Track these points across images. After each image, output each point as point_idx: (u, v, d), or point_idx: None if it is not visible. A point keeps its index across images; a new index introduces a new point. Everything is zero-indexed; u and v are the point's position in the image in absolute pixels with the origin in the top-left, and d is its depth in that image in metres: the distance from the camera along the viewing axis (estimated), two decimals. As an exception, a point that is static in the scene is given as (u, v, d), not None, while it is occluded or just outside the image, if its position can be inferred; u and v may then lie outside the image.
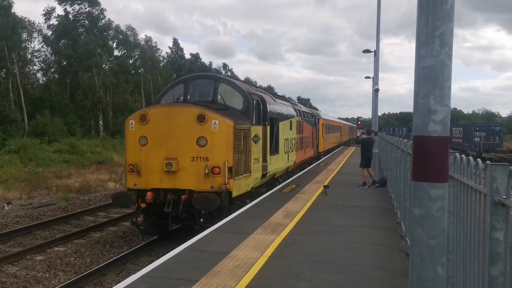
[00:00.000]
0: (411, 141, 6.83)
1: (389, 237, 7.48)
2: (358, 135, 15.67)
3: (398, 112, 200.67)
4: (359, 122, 52.57)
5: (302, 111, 18.96)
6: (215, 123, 8.19)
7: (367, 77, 38.54)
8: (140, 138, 8.39)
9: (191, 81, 9.79)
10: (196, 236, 7.26)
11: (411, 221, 2.60)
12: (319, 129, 24.87)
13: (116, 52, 58.20)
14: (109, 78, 51.00)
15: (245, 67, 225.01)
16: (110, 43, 56.02)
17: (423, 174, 2.45)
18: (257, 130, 10.03)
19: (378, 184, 13.90)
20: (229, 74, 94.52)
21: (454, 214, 3.66)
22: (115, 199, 8.18)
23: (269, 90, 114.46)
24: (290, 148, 15.26)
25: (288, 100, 17.40)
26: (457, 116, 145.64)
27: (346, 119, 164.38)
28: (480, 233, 2.94)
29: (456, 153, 3.81)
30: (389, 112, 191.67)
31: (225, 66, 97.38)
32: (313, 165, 21.35)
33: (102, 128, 49.02)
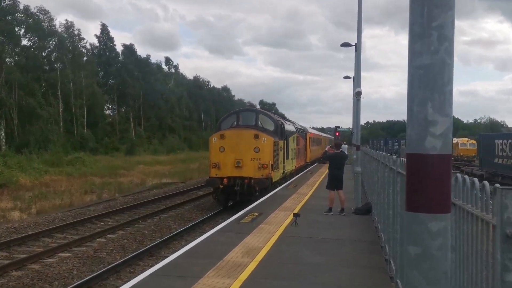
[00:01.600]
0: (402, 158, 7.02)
1: (375, 278, 7.54)
2: (326, 149, 16.09)
3: (384, 120, 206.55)
4: (337, 133, 53.71)
5: (298, 128, 32.41)
6: (264, 139, 20.47)
7: (347, 77, 39.46)
8: (220, 147, 20.29)
9: (241, 112, 23.08)
10: (130, 282, 7.09)
11: (406, 262, 2.57)
12: (307, 142, 36.37)
13: (24, 42, 56.42)
14: (15, 75, 49.16)
15: (193, 63, 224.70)
16: (16, 29, 54.27)
17: (420, 203, 2.43)
18: (281, 143, 22.71)
19: (354, 211, 14.27)
20: (173, 71, 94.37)
21: (456, 250, 3.69)
22: (208, 182, 20.36)
23: (226, 90, 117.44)
24: (293, 156, 28.07)
25: (289, 120, 31.51)
26: (455, 126, 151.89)
27: (321, 129, 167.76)
28: (488, 275, 2.96)
29: (458, 174, 3.87)
30: (374, 121, 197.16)
31: (168, 61, 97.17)
32: (280, 187, 21.79)
33: (4, 140, 47.03)
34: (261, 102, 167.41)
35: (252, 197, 19.82)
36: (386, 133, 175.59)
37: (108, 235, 15.29)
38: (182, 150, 72.89)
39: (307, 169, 33.96)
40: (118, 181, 31.88)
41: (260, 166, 20.56)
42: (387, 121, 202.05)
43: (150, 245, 13.38)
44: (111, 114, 76.60)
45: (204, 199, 24.66)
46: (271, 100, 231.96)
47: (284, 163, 24.25)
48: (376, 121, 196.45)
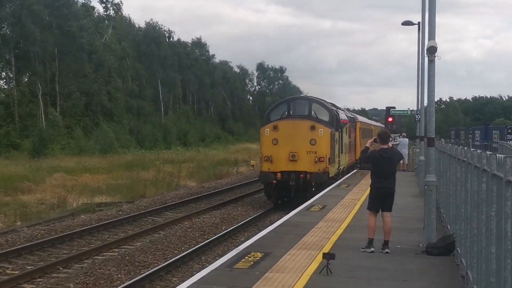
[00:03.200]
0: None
1: None
2: (367, 144, 16.41)
3: (467, 97, 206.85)
4: (390, 119, 53.90)
5: (349, 116, 40.59)
6: (321, 130, 29.67)
7: (407, 23, 39.50)
8: (273, 139, 29.25)
9: (292, 101, 32.43)
10: None
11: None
12: (357, 133, 45.42)
13: None
14: None
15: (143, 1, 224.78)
16: None
17: None
18: (336, 135, 31.86)
19: (425, 250, 14.57)
20: (112, 14, 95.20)
21: None
22: (260, 177, 30.23)
23: (200, 46, 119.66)
24: (346, 150, 36.87)
25: (336, 106, 38.88)
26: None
27: (362, 113, 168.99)
28: None
29: None
30: (449, 98, 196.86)
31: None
32: (297, 210, 22.17)
33: None
34: (261, 67, 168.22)
35: (308, 194, 28.83)
36: (471, 119, 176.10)
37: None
38: (126, 149, 73.06)
39: (353, 171, 40.93)
40: (20, 201, 31.88)
41: (316, 159, 29.55)
42: (473, 98, 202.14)
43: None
44: (6, 87, 76.47)
45: (178, 225, 24.90)
46: (277, 63, 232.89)
47: (339, 157, 34.24)
48: (455, 98, 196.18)
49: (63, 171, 46.36)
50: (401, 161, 49.06)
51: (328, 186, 30.51)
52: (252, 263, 13.12)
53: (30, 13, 72.93)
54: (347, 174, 39.69)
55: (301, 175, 29.12)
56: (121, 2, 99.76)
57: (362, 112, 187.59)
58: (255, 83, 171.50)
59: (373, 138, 16.00)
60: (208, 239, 22.66)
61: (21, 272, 17.40)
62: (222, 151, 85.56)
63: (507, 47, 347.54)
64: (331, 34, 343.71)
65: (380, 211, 15.05)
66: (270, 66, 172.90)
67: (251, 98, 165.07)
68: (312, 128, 29.71)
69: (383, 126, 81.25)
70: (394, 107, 58.77)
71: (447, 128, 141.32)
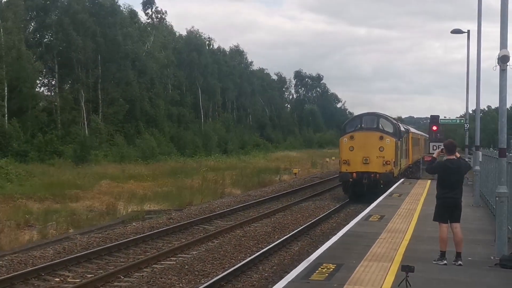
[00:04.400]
0: None
1: None
2: (433, 155, 16.09)
3: (508, 106, 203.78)
4: (434, 127, 53.34)
5: (405, 127, 48.14)
6: (387, 140, 39.46)
7: (457, 31, 39.26)
8: (350, 147, 38.90)
9: (364, 116, 42.22)
10: None
11: None
12: (409, 142, 51.23)
13: None
14: None
15: (179, 5, 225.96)
16: None
17: None
18: (399, 143, 41.22)
19: (499, 262, 14.44)
20: (154, 22, 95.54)
21: None
22: (340, 177, 39.71)
23: (238, 54, 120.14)
24: (404, 156, 45.47)
25: (395, 119, 47.66)
26: None
27: (400, 121, 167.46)
28: None
29: None
30: (487, 107, 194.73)
31: (147, 3, 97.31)
32: (357, 220, 22.23)
33: None
34: (298, 75, 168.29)
35: (377, 190, 36.56)
36: (511, 127, 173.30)
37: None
38: (167, 156, 73.22)
39: (401, 180, 44.20)
40: (69, 208, 32.03)
41: (384, 162, 38.41)
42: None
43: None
44: (49, 93, 76.98)
45: (230, 234, 24.81)
46: (312, 70, 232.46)
47: (400, 161, 42.55)
48: (493, 107, 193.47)
49: (109, 178, 46.60)
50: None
51: (393, 184, 38.61)
52: (327, 275, 13.06)
53: (74, 19, 73.45)
54: (403, 176, 47.94)
55: (372, 175, 38.00)
56: (164, 11, 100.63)
57: (400, 120, 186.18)
58: (293, 91, 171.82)
59: (440, 148, 15.78)
60: (263, 248, 22.48)
61: (82, 281, 17.39)
62: (262, 158, 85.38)
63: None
64: (366, 41, 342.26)
65: (448, 222, 14.84)
66: (308, 74, 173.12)
67: (289, 106, 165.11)
68: (381, 138, 38.93)
69: (427, 136, 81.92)
70: (438, 116, 58.21)
71: (484, 137, 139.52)
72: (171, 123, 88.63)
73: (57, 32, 74.14)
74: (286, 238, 24.43)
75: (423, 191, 33.94)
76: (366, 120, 40.93)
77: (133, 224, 28.67)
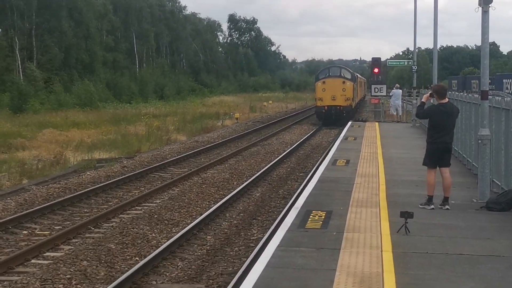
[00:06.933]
0: None
1: None
2: (422, 99, 16.01)
3: (431, 47, 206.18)
4: (376, 70, 53.62)
5: (356, 75, 67.80)
6: (348, 83, 57.51)
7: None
8: (322, 88, 55.96)
9: (331, 68, 63.03)
10: None
11: None
12: (358, 85, 66.30)
13: None
14: None
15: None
16: None
17: None
18: (355, 85, 61.02)
19: (486, 205, 14.61)
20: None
21: None
22: (316, 109, 58.32)
23: None
24: (357, 94, 66.40)
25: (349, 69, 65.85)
26: None
27: (330, 63, 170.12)
28: None
29: None
30: (417, 48, 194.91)
31: None
32: (325, 165, 22.27)
33: None
34: (232, 18, 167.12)
35: (342, 117, 52.03)
36: (442, 69, 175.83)
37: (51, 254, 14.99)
38: (104, 103, 72.22)
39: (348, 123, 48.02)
40: (16, 158, 31.32)
41: (346, 99, 53.69)
42: (441, 48, 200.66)
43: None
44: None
45: (189, 181, 24.41)
46: (245, 13, 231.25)
47: (355, 97, 59.18)
48: (422, 48, 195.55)
49: (51, 126, 45.76)
50: (395, 113, 49.06)
51: (352, 114, 56.66)
52: (321, 222, 13.00)
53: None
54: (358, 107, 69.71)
55: (338, 107, 53.52)
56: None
57: (330, 63, 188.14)
58: (227, 35, 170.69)
59: (428, 93, 15.64)
60: (225, 195, 22.20)
61: (53, 233, 16.99)
62: (199, 104, 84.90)
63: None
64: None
65: (438, 167, 14.86)
66: (242, 17, 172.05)
67: (222, 50, 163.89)
68: (343, 82, 55.16)
69: (364, 79, 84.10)
70: (379, 58, 58.79)
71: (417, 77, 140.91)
72: (107, 70, 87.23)
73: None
74: (246, 185, 24.22)
75: (375, 134, 34.16)
76: (333, 70, 58.20)
77: (88, 173, 27.99)
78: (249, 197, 22.47)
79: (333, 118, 53.35)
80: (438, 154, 14.73)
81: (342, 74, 56.79)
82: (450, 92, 27.02)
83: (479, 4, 15.10)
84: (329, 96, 53.32)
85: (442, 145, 14.66)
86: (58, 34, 76.87)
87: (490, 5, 15.06)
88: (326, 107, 53.41)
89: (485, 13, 15.16)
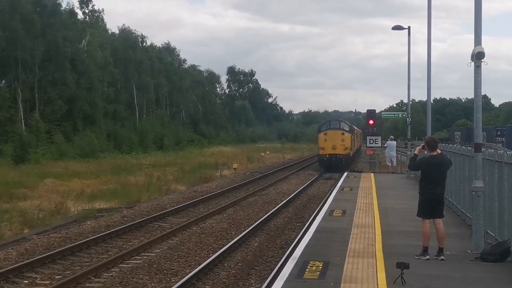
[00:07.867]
0: None
1: None
2: (415, 151, 16.21)
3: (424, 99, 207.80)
4: (371, 121, 53.85)
5: (353, 127, 74.99)
6: (346, 135, 64.48)
7: (398, 28, 39.86)
8: (324, 139, 62.79)
9: (331, 121, 70.26)
10: None
11: None
12: (355, 135, 73.55)
13: None
14: None
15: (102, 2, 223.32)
16: None
17: None
18: (352, 137, 69.36)
19: (480, 256, 14.56)
20: (90, 20, 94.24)
21: None
22: (319, 156, 64.68)
23: (170, 51, 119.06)
24: (354, 144, 74.03)
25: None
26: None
27: (327, 115, 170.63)
28: None
29: None
30: (400, 102, 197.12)
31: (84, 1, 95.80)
32: (321, 216, 22.21)
33: None
34: (231, 71, 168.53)
35: (341, 165, 58.99)
36: (435, 120, 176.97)
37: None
38: (104, 153, 72.39)
39: (344, 174, 48.45)
40: (18, 207, 31.28)
41: (344, 148, 60.56)
42: (434, 100, 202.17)
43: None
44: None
45: (187, 231, 24.29)
46: (242, 66, 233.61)
47: (352, 147, 65.80)
48: (416, 100, 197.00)
49: (52, 176, 45.66)
50: (390, 164, 49.11)
51: (350, 162, 64.45)
52: (319, 273, 13.00)
53: (13, 11, 72.46)
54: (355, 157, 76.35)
55: (338, 156, 59.66)
56: (101, 9, 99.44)
57: (326, 114, 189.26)
58: (225, 87, 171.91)
59: (421, 145, 15.83)
60: (224, 245, 22.19)
61: (53, 283, 16.95)
62: (198, 154, 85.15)
63: (459, 49, 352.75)
64: (289, 37, 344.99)
65: (432, 218, 14.89)
66: (241, 70, 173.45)
67: (219, 101, 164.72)
68: (342, 134, 61.55)
69: (360, 130, 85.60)
70: (374, 110, 59.08)
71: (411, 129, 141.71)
72: (107, 120, 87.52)
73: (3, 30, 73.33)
74: (244, 235, 24.21)
75: (371, 185, 34.26)
76: (333, 123, 64.95)
77: (88, 223, 27.97)
78: (247, 247, 22.44)
79: (333, 165, 59.20)
80: (430, 205, 14.78)
81: (341, 126, 63.55)
82: (443, 144, 27.28)
83: (472, 59, 15.32)
84: (330, 146, 59.75)
85: (434, 197, 14.73)
86: (61, 86, 77.13)
87: (482, 60, 15.29)
88: (327, 155, 59.71)
89: (477, 68, 15.38)
